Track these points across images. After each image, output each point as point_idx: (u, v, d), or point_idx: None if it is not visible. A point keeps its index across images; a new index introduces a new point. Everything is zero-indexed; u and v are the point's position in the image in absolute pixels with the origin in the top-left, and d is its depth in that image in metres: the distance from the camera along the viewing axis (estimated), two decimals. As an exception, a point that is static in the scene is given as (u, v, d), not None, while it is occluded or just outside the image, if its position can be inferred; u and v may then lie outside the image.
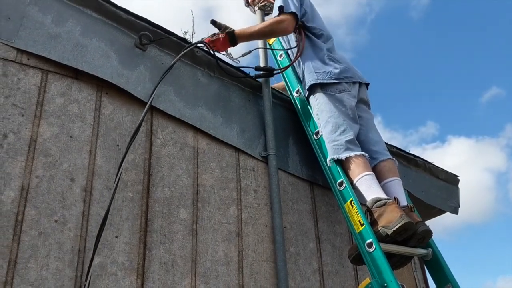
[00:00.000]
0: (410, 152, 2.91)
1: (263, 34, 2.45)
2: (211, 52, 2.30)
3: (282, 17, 2.38)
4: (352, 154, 2.15)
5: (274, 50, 2.80)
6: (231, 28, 2.39)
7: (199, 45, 2.31)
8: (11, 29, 1.89)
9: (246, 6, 2.89)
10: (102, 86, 2.03)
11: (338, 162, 2.20)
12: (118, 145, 1.97)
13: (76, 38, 2.02)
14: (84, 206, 1.77)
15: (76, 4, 2.09)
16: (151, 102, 1.98)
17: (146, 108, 1.94)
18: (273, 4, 2.68)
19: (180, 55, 2.14)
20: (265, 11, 2.78)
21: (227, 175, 2.21)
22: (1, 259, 1.54)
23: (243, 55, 2.48)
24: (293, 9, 2.40)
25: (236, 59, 2.46)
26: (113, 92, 2.05)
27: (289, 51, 2.66)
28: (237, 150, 2.30)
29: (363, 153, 2.18)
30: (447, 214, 3.00)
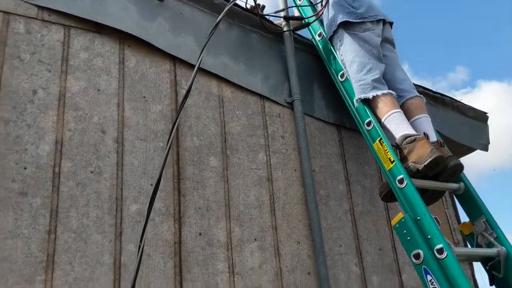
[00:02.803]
0: (437, 91, 2.85)
1: None
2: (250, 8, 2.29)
3: None
4: (379, 92, 2.12)
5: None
6: None
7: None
8: (30, -14, 1.88)
9: None
10: (124, 38, 2.03)
11: (365, 101, 2.17)
12: (144, 97, 1.98)
13: (94, -8, 2.01)
14: (118, 156, 1.81)
15: (91, -43, 2.06)
16: (199, 65, 1.92)
17: (194, 72, 1.88)
18: None
19: (223, 13, 2.09)
20: None
21: (253, 122, 2.21)
22: (43, 209, 1.59)
23: (276, 12, 2.46)
24: None
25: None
26: (135, 44, 2.05)
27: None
28: (262, 97, 2.29)
29: (390, 91, 2.14)
30: (479, 156, 2.96)
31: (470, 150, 2.95)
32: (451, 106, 2.92)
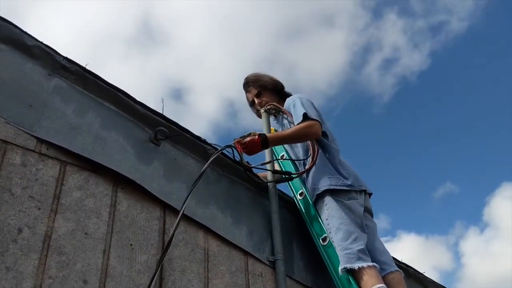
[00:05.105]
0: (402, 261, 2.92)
1: (296, 137, 2.51)
2: (238, 155, 2.30)
3: (311, 122, 2.45)
4: (365, 264, 2.14)
5: (275, 151, 2.86)
6: (261, 133, 2.43)
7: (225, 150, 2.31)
8: (33, 117, 1.83)
9: (250, 106, 2.96)
10: (118, 180, 1.97)
11: (350, 271, 2.17)
12: (131, 244, 1.87)
13: (96, 130, 1.99)
14: (97, 312, 1.63)
15: (95, 95, 2.08)
16: (183, 211, 1.89)
17: (178, 218, 1.85)
18: (278, 109, 2.77)
19: (210, 160, 2.11)
20: (270, 114, 2.85)
21: (236, 281, 2.12)
22: None
23: (262, 163, 2.52)
24: (316, 117, 2.48)
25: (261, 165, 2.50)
26: (128, 187, 1.98)
27: (291, 151, 2.71)
28: (246, 253, 2.23)
29: (375, 264, 2.17)
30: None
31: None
32: (414, 277, 2.99)
